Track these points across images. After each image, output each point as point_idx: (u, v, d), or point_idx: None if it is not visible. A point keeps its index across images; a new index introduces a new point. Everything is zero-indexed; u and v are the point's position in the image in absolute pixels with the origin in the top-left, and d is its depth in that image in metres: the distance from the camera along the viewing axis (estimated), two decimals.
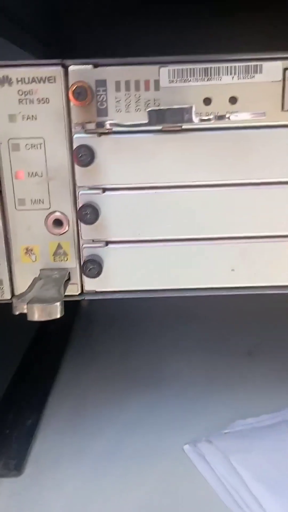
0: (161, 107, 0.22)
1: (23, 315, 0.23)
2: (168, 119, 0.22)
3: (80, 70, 0.24)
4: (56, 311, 0.23)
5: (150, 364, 0.49)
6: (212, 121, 0.24)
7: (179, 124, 0.24)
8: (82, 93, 0.23)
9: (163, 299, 0.28)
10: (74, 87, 0.23)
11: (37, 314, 0.23)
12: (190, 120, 0.23)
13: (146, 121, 0.23)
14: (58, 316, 0.23)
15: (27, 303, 0.23)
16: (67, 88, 0.24)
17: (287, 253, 0.26)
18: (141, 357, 0.51)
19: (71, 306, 0.60)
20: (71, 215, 0.26)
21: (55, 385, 0.46)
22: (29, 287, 0.25)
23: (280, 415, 0.41)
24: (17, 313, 0.23)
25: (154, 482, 0.35)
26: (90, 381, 0.47)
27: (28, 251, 0.26)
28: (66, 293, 0.26)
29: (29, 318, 0.23)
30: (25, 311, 0.23)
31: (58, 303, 0.23)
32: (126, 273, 0.27)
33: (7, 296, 0.27)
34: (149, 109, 0.22)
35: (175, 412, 0.42)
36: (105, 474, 0.35)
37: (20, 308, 0.23)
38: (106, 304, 0.62)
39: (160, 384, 0.46)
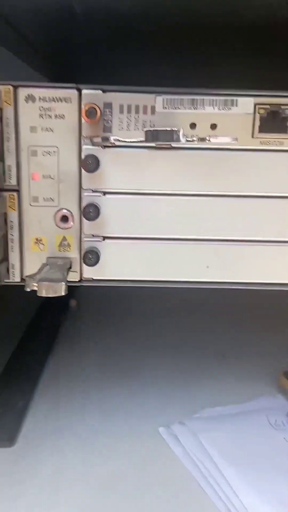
0: (156, 128, 0.28)
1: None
2: (161, 138, 0.28)
3: (91, 94, 0.29)
4: (61, 289, 0.28)
5: (134, 352, 0.55)
6: (195, 142, 0.29)
7: (169, 143, 0.29)
8: (93, 113, 0.28)
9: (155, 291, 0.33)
10: (87, 107, 0.28)
11: (44, 291, 0.28)
12: (178, 140, 0.28)
13: (143, 139, 0.28)
14: (63, 293, 0.28)
15: (37, 281, 0.28)
16: (79, 107, 0.29)
17: (253, 254, 0.32)
18: (127, 346, 0.56)
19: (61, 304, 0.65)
20: (76, 212, 0.31)
21: (45, 370, 0.51)
22: (38, 270, 0.30)
23: (244, 407, 0.46)
24: (28, 289, 0.28)
25: (132, 458, 0.39)
26: (76, 370, 0.52)
27: (37, 241, 0.31)
28: (68, 280, 0.31)
29: (38, 293, 0.28)
30: (35, 288, 0.28)
31: (63, 283, 0.28)
32: (119, 264, 0.32)
33: (17, 278, 0.32)
34: (146, 129, 0.28)
35: (151, 400, 0.47)
36: (91, 449, 0.40)
37: (31, 285, 0.28)
38: (93, 302, 0.68)
39: (140, 374, 0.51)
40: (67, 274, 0.30)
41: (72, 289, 0.71)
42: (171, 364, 0.53)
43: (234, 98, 0.29)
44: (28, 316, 0.61)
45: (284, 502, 0.34)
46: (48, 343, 0.56)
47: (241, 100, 0.29)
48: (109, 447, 0.40)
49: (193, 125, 0.30)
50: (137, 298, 0.67)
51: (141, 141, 0.28)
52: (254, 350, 0.57)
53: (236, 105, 0.30)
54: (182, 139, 0.28)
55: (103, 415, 0.44)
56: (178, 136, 0.28)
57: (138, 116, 0.30)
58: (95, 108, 0.28)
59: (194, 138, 0.29)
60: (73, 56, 0.51)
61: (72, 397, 0.47)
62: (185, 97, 0.29)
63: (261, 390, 0.48)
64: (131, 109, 0.29)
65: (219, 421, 0.43)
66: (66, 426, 0.43)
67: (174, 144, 0.30)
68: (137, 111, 0.29)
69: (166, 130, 0.28)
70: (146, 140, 0.28)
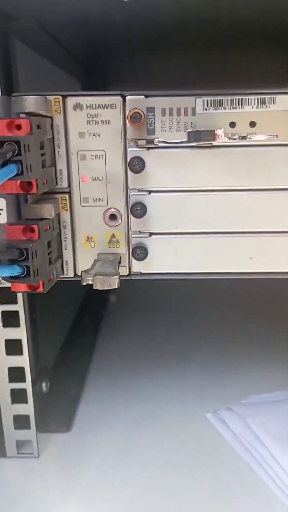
0: (197, 129, 0.30)
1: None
2: (203, 138, 0.29)
3: (135, 99, 0.31)
4: (115, 283, 0.30)
5: (176, 343, 0.57)
6: (236, 140, 0.31)
7: (211, 142, 0.31)
8: (137, 117, 0.30)
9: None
10: (132, 113, 0.30)
11: (99, 284, 0.30)
12: (219, 139, 0.30)
13: (185, 139, 0.30)
14: (116, 286, 0.30)
15: (93, 276, 0.30)
16: (124, 112, 0.31)
17: None
18: (169, 335, 0.58)
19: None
20: (123, 211, 0.33)
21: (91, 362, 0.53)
22: (91, 266, 0.32)
23: None
24: (84, 283, 0.30)
25: (182, 443, 0.41)
26: (124, 357, 0.54)
27: (88, 239, 0.34)
28: None
29: (94, 287, 0.30)
30: (90, 282, 0.30)
31: (116, 276, 0.30)
32: (165, 259, 0.34)
33: (71, 274, 0.34)
34: (189, 130, 0.29)
35: (196, 389, 0.49)
36: (140, 436, 0.42)
37: (87, 279, 0.30)
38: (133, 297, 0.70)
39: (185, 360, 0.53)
40: (118, 268, 0.32)
41: None
42: (213, 354, 0.55)
43: (272, 96, 0.31)
44: (72, 313, 0.64)
45: None
46: (92, 336, 0.59)
47: (279, 97, 0.31)
48: (160, 432, 0.42)
49: (232, 124, 0.31)
50: (176, 291, 0.69)
51: (184, 142, 0.30)
52: None
53: (274, 103, 0.31)
54: (224, 138, 0.29)
55: (150, 402, 0.46)
56: (219, 135, 0.30)
57: (180, 118, 0.31)
58: (139, 113, 0.30)
59: (235, 137, 0.31)
60: (108, 61, 0.54)
61: (120, 385, 0.49)
62: (224, 98, 0.31)
63: None
64: (173, 112, 0.31)
65: (266, 407, 0.45)
66: (117, 413, 0.45)
67: (214, 143, 0.31)
68: (178, 114, 0.31)
69: (208, 130, 0.29)
70: (189, 141, 0.30)
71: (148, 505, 0.35)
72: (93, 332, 0.60)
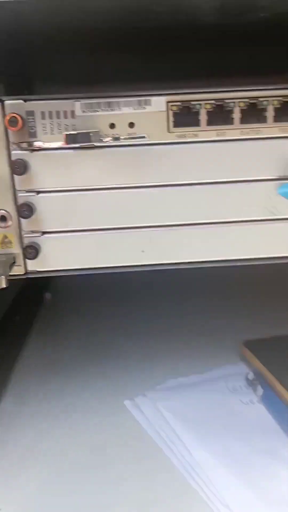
0: (73, 132, 0.31)
1: None
2: (79, 140, 0.30)
3: (13, 104, 0.32)
4: (2, 282, 0.31)
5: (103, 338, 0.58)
6: (116, 141, 0.32)
7: (92, 144, 0.32)
8: (14, 121, 0.31)
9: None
10: (9, 117, 0.31)
11: None
12: (98, 141, 0.31)
13: (64, 142, 0.31)
14: (4, 286, 0.31)
15: None
16: (4, 117, 0.32)
17: (180, 236, 0.35)
18: (95, 333, 0.60)
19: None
20: (13, 212, 0.34)
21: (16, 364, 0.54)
22: None
23: (205, 376, 0.50)
24: None
25: (102, 431, 0.43)
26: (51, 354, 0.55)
27: None
28: (14, 273, 0.35)
29: None
30: None
31: (3, 277, 0.31)
32: (60, 256, 0.35)
33: None
34: (65, 133, 0.30)
35: (120, 373, 0.50)
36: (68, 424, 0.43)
37: None
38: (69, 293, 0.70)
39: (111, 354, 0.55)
40: (10, 268, 0.33)
41: (47, 282, 0.72)
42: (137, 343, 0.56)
43: (148, 98, 0.32)
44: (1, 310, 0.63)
45: (230, 455, 0.38)
46: (21, 336, 0.59)
47: (154, 99, 0.32)
48: (82, 420, 0.44)
49: (112, 125, 0.32)
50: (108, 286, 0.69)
51: (62, 145, 0.31)
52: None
53: (150, 104, 0.32)
54: (102, 139, 0.31)
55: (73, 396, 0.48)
56: (97, 136, 0.31)
57: (60, 121, 0.32)
58: (16, 117, 0.31)
59: (115, 137, 0.32)
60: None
61: (42, 380, 0.50)
62: (102, 100, 0.32)
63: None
64: (53, 115, 0.32)
65: (179, 391, 0.47)
66: (37, 407, 0.46)
67: (97, 144, 0.32)
68: (58, 116, 0.32)
69: (83, 132, 0.30)
70: (66, 143, 0.31)
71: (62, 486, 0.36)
72: (23, 331, 0.60)
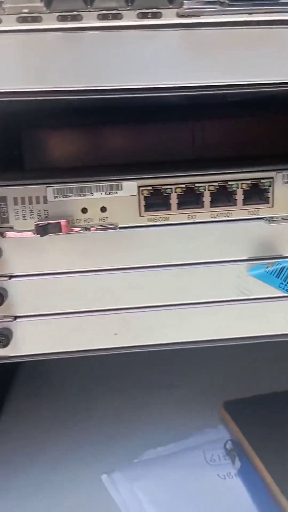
0: (44, 222, 0.30)
1: None
2: (50, 231, 0.30)
3: None
4: None
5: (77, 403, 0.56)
6: (88, 226, 0.32)
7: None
8: None
9: None
10: None
11: None
12: (68, 230, 0.31)
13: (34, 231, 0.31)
14: None
15: None
16: None
17: (151, 318, 0.35)
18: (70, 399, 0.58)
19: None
20: None
21: None
22: None
23: (184, 443, 0.49)
24: None
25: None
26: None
27: None
28: None
29: None
30: None
31: None
32: (33, 340, 0.34)
33: None
34: (35, 223, 0.30)
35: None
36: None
37: None
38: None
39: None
40: None
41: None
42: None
43: (119, 183, 0.32)
44: None
45: None
46: None
47: (125, 183, 0.32)
48: (54, 497, 0.42)
49: (84, 210, 0.32)
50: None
51: (33, 233, 0.31)
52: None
53: (121, 189, 0.32)
54: (71, 229, 0.31)
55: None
56: (68, 225, 0.31)
57: (32, 206, 0.32)
58: None
59: (87, 222, 0.32)
60: None
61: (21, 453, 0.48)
62: (74, 186, 0.32)
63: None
64: (25, 201, 0.32)
65: (157, 465, 0.46)
66: (10, 479, 0.44)
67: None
68: (30, 202, 0.32)
69: (53, 222, 0.30)
70: (37, 233, 0.30)
71: None
72: None
